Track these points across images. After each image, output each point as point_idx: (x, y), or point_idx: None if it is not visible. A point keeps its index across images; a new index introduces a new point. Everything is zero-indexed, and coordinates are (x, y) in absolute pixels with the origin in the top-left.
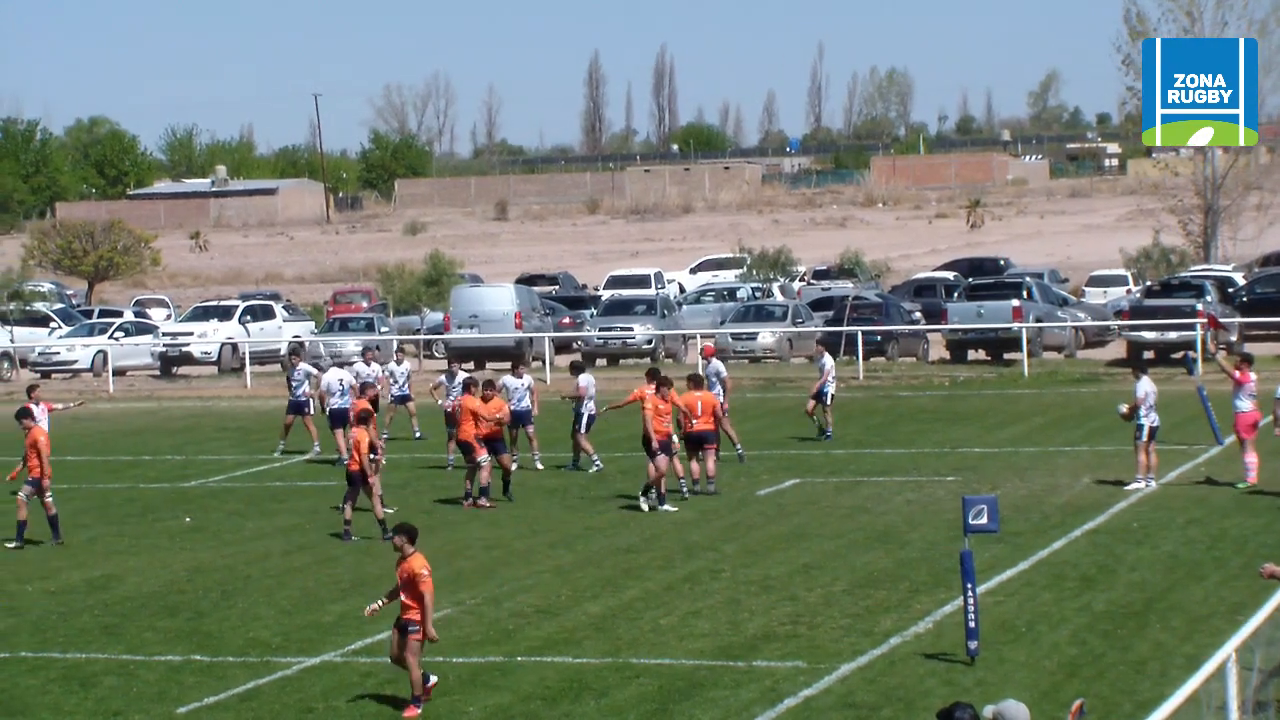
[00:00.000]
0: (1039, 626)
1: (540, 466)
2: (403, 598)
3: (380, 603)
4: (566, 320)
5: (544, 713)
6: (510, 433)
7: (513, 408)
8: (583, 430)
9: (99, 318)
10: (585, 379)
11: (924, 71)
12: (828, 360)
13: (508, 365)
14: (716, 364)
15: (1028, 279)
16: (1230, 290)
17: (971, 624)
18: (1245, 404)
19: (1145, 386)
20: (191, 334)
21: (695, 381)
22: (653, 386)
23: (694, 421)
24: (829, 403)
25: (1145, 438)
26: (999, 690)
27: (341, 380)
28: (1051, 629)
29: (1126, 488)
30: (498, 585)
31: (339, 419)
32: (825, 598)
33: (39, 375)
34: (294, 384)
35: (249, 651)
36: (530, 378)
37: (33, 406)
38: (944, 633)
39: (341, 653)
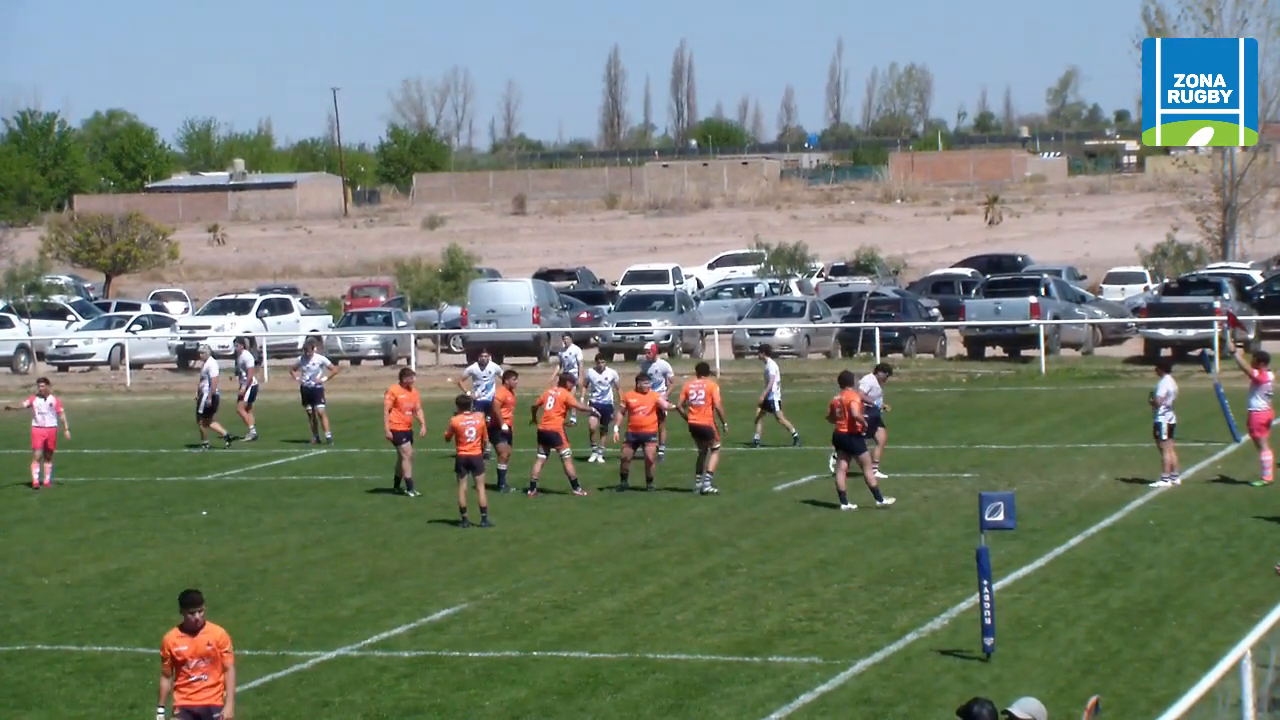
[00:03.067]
0: (1055, 623)
1: (602, 460)
2: (196, 677)
3: (161, 709)
4: (584, 315)
5: (560, 708)
6: (603, 425)
7: (596, 401)
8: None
9: (116, 311)
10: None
11: (943, 68)
12: (772, 366)
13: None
14: (663, 363)
15: (1045, 276)
16: (1248, 288)
17: (988, 621)
18: (1260, 403)
19: (1167, 385)
20: (209, 327)
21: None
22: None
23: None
24: (778, 409)
25: (1165, 435)
26: (1015, 687)
27: (221, 369)
28: (1068, 626)
29: (1152, 485)
30: (514, 580)
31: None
32: (841, 594)
33: (55, 368)
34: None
35: (265, 645)
36: (614, 372)
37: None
38: (960, 629)
39: (358, 647)
